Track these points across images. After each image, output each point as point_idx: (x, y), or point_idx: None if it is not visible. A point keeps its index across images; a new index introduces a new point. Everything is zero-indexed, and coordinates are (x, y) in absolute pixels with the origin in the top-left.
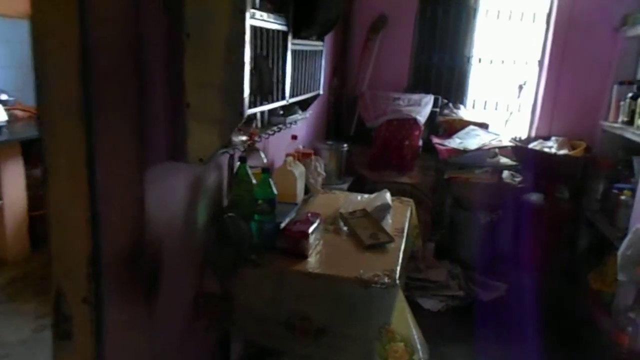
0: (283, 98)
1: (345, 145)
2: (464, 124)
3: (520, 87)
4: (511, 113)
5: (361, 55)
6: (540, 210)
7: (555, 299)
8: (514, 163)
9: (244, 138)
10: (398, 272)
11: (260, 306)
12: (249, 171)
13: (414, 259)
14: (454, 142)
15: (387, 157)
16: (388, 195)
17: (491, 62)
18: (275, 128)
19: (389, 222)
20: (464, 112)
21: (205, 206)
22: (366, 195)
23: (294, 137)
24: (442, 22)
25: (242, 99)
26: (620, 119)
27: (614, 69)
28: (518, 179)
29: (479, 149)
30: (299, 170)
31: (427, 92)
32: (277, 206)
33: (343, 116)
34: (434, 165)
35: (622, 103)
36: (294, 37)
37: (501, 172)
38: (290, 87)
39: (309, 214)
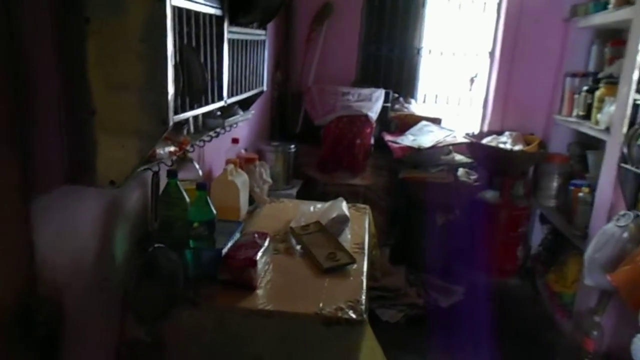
0: (220, 99)
1: (292, 146)
2: (416, 120)
3: (472, 80)
4: (463, 107)
5: (305, 46)
6: (496, 208)
7: (514, 300)
8: (469, 160)
9: (172, 149)
10: (364, 302)
11: (199, 354)
12: (181, 188)
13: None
14: (407, 139)
15: (338, 158)
16: (344, 205)
17: (442, 53)
18: (212, 133)
19: (347, 237)
20: (416, 107)
21: (124, 236)
22: (319, 205)
23: (235, 141)
24: (391, 12)
25: (166, 102)
26: (575, 113)
27: (566, 61)
28: (474, 177)
29: (433, 147)
30: (241, 179)
31: (376, 85)
32: (217, 226)
33: (288, 114)
34: (387, 164)
35: (576, 96)
36: (231, 23)
37: (456, 170)
38: (229, 85)
39: (256, 235)
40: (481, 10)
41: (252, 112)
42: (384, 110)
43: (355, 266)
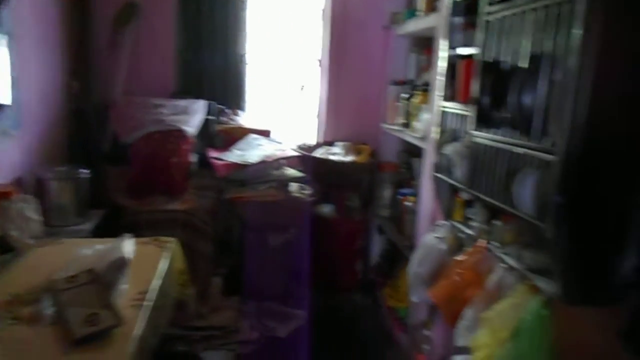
0: None
1: (84, 170)
2: (244, 133)
3: (302, 89)
4: (295, 118)
5: (110, 52)
6: (333, 223)
7: (356, 317)
8: (301, 174)
9: None
10: None
11: None
12: None
13: (184, 309)
14: (234, 155)
15: (152, 180)
16: (128, 243)
17: (268, 61)
18: None
19: (123, 288)
20: (245, 119)
21: None
22: (100, 246)
23: None
24: (208, 15)
25: None
26: (398, 121)
27: (389, 69)
28: (307, 192)
29: (262, 162)
30: None
31: (200, 97)
32: None
33: (92, 131)
34: (213, 184)
35: (398, 104)
36: None
37: (288, 186)
38: None
39: None
40: (306, 16)
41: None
42: (208, 124)
43: (124, 329)
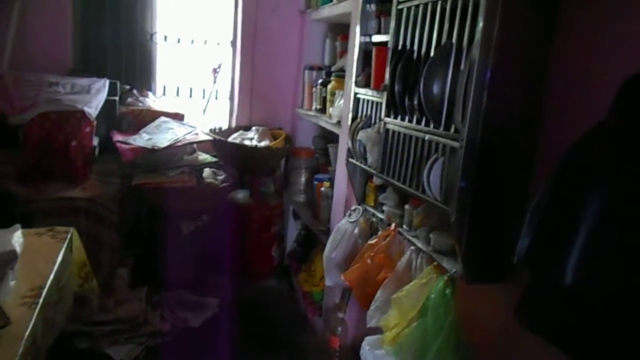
0: None
1: None
2: (154, 115)
3: (215, 71)
4: (208, 101)
5: None
6: (248, 209)
7: (271, 303)
8: (214, 159)
9: None
10: None
11: None
12: None
13: (86, 303)
14: (141, 139)
15: (48, 165)
16: (17, 235)
17: (179, 41)
18: None
19: (9, 284)
20: (154, 101)
21: None
22: None
23: None
24: None
25: None
26: (314, 107)
27: (304, 54)
28: (221, 177)
29: (171, 146)
30: None
31: (101, 75)
32: None
33: None
34: (119, 169)
35: (314, 90)
36: None
37: (201, 172)
38: None
39: None
40: None
41: None
42: (111, 104)
43: (12, 329)
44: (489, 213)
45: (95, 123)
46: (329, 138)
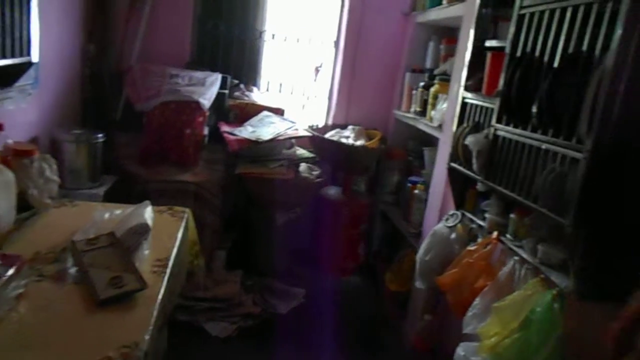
0: None
1: (100, 135)
2: (257, 109)
3: (317, 70)
4: (308, 98)
5: (128, 16)
6: (339, 206)
7: (356, 299)
8: (311, 155)
9: None
10: (146, 345)
11: None
12: None
13: (192, 279)
14: (246, 131)
15: (164, 150)
16: (148, 210)
17: (285, 39)
18: None
19: (144, 253)
20: (258, 96)
21: None
22: (118, 211)
23: None
24: None
25: None
26: (412, 109)
27: (406, 56)
28: (316, 173)
29: (273, 140)
30: (3, 178)
31: (214, 69)
32: None
33: (107, 96)
34: (223, 158)
35: (414, 92)
36: None
37: (298, 166)
38: None
39: None
40: None
41: (25, 89)
42: (221, 97)
43: (146, 293)
44: (608, 228)
45: (207, 114)
46: (424, 141)
